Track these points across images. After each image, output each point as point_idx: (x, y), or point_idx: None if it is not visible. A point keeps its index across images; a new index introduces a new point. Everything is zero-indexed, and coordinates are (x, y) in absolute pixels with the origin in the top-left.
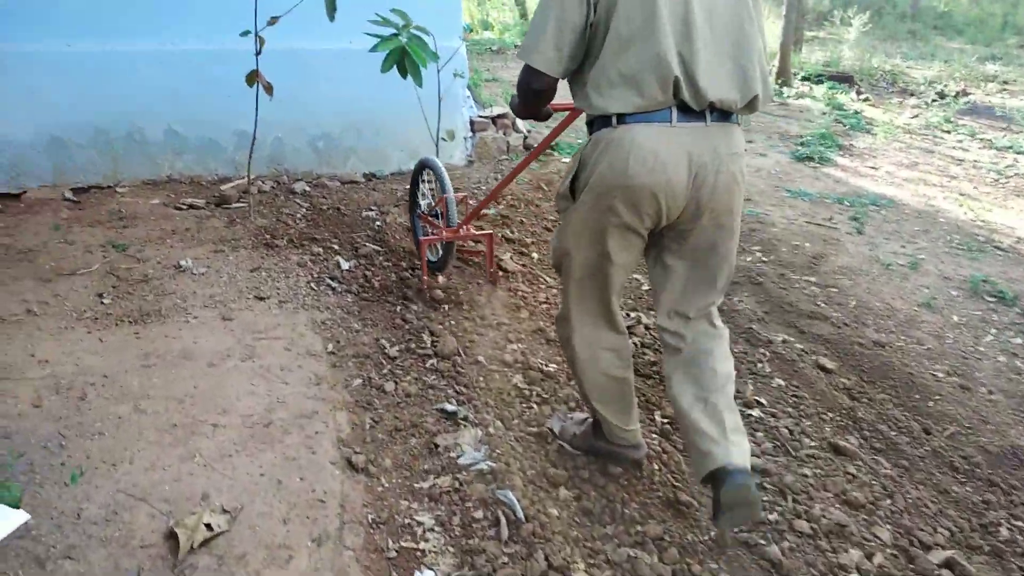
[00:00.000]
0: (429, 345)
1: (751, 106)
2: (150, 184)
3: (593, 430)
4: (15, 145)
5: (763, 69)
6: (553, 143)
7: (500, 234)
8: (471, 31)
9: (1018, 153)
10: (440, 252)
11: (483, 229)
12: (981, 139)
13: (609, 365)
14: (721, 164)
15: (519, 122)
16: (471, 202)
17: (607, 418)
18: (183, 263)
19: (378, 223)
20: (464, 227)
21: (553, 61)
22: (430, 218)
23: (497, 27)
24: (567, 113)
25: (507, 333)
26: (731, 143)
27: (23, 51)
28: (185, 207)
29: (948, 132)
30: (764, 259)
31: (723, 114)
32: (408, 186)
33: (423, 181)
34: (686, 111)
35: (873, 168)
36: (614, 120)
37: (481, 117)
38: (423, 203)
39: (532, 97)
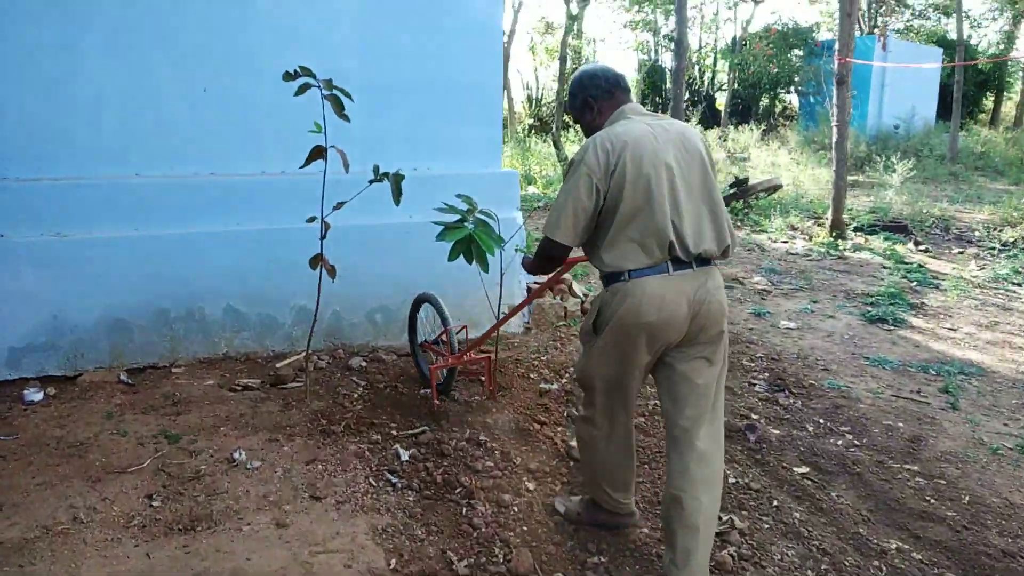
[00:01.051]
0: (502, 560)
1: (725, 253)
2: (206, 362)
3: (592, 505)
4: (77, 329)
5: (729, 224)
6: None
7: (565, 412)
8: None
9: None
10: (444, 375)
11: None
12: None
13: (620, 448)
14: (710, 296)
15: (576, 286)
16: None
17: (611, 494)
18: (236, 456)
19: (436, 402)
20: (467, 353)
21: (571, 235)
22: (433, 346)
23: (540, 181)
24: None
25: (585, 542)
26: (715, 281)
27: (92, 238)
28: (240, 388)
29: (1019, 285)
30: (856, 443)
31: (705, 261)
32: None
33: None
34: (679, 262)
35: (951, 329)
36: (626, 275)
37: (537, 283)
38: (423, 334)
39: (548, 261)
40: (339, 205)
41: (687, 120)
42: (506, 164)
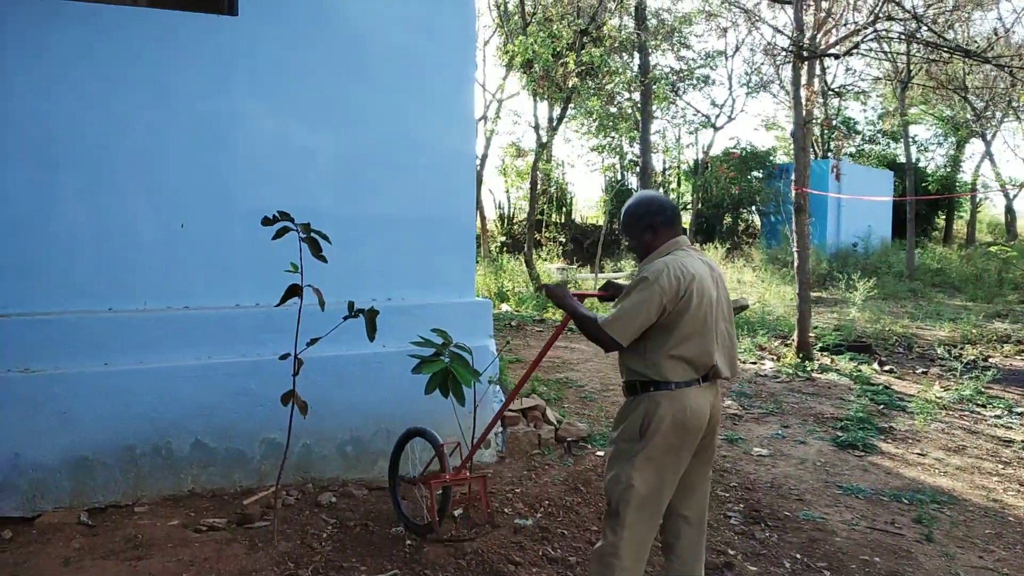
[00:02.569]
0: None
1: (731, 378)
2: (171, 500)
3: None
4: (38, 468)
5: (736, 354)
6: (588, 435)
7: (540, 551)
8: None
9: None
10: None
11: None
12: (1019, 413)
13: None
14: (719, 404)
15: (549, 413)
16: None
17: None
18: None
19: (408, 543)
20: (462, 470)
21: (626, 337)
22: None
23: (513, 299)
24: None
25: None
26: (720, 393)
27: (59, 373)
28: (205, 529)
29: (983, 406)
30: None
31: (716, 378)
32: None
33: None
34: (706, 377)
35: (921, 455)
36: (672, 385)
37: (511, 412)
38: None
39: (593, 339)
40: (312, 341)
41: None
42: (479, 282)
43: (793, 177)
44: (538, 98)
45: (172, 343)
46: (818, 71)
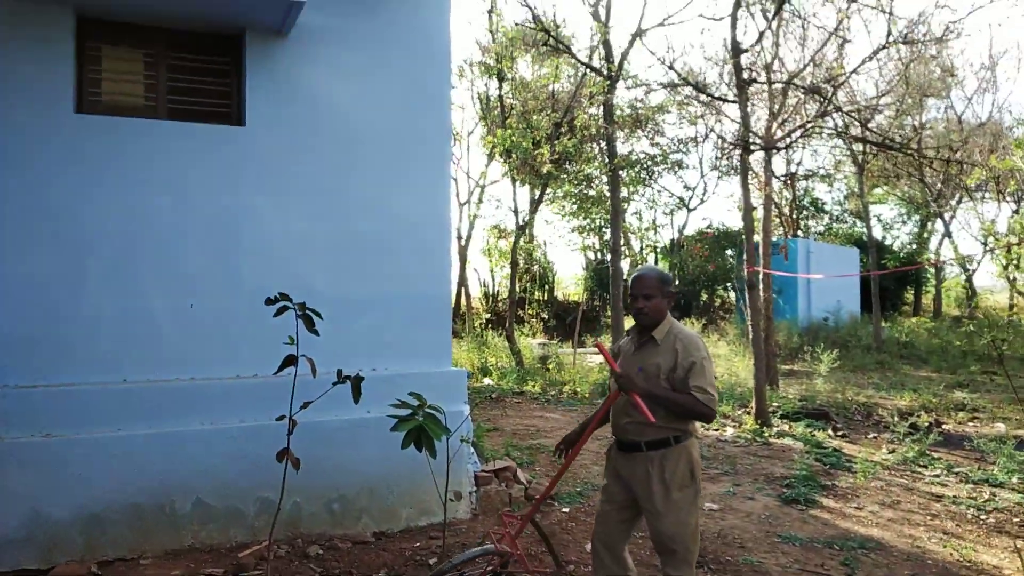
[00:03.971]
0: None
1: None
2: (172, 554)
3: None
4: (54, 524)
5: None
6: (555, 494)
7: None
8: (471, 377)
9: (993, 486)
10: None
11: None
12: (957, 472)
13: None
14: None
15: (520, 474)
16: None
17: None
18: None
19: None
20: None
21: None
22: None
23: (496, 374)
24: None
25: None
26: None
27: (78, 438)
28: None
29: (925, 467)
30: None
31: None
32: None
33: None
34: None
35: (858, 508)
36: (692, 435)
37: (484, 472)
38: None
39: (699, 417)
40: (305, 405)
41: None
42: (463, 357)
43: (745, 256)
44: (517, 183)
45: (178, 411)
46: (781, 157)
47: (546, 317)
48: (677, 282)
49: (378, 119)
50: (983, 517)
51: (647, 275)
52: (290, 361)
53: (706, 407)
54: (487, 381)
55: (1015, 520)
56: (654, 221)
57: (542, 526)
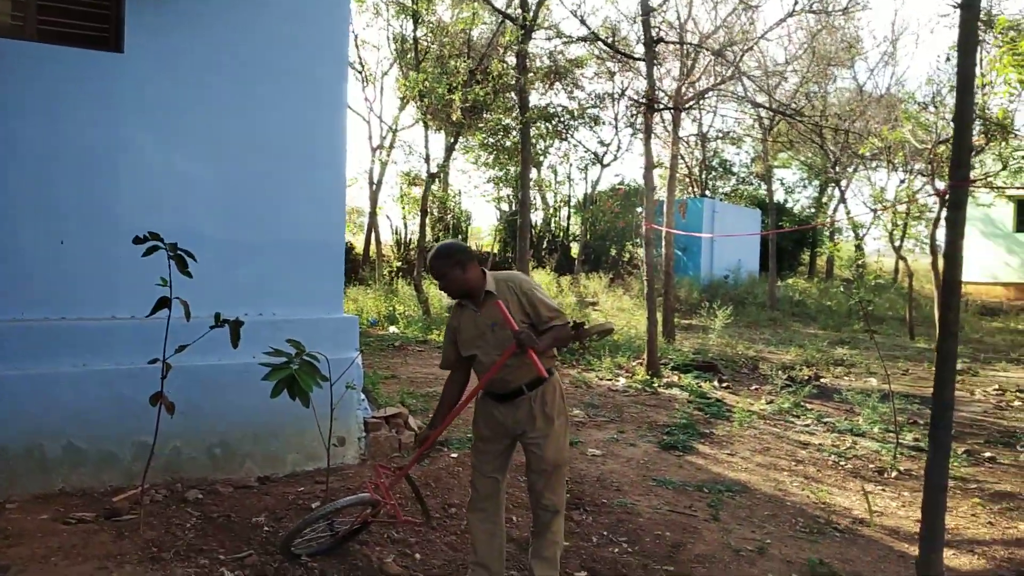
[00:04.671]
0: None
1: None
2: (41, 498)
3: None
4: None
5: None
6: (445, 440)
7: (386, 534)
8: (377, 325)
9: (856, 435)
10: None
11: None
12: (826, 422)
13: None
14: None
15: (411, 420)
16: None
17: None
18: None
19: (267, 528)
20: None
21: None
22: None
23: (402, 322)
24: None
25: None
26: None
27: None
28: (74, 521)
29: (797, 417)
30: (630, 550)
31: None
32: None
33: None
34: None
35: (730, 455)
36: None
37: (375, 418)
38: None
39: (570, 340)
40: (181, 348)
41: (544, 267)
42: (370, 305)
43: (644, 214)
44: (431, 130)
45: (48, 352)
46: (692, 119)
47: None
48: (588, 237)
49: (270, 56)
50: (843, 463)
51: (432, 263)
52: (163, 303)
53: (569, 329)
54: (393, 329)
55: (871, 466)
56: (569, 176)
57: (427, 472)
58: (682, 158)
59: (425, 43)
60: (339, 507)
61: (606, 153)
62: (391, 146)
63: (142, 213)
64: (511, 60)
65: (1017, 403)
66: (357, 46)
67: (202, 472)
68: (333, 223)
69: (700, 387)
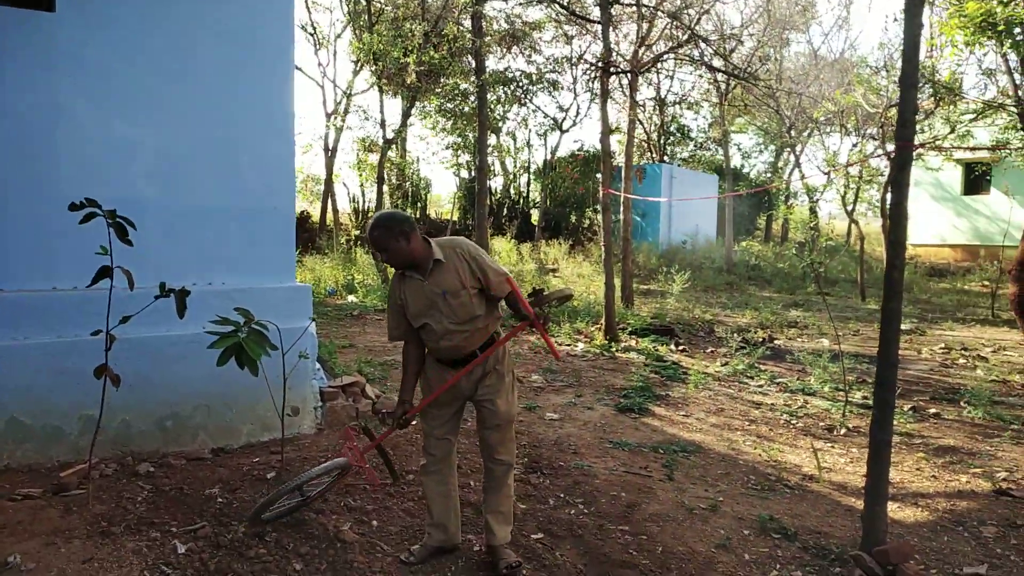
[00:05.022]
0: None
1: None
2: None
3: None
4: None
5: None
6: None
7: (342, 502)
8: (336, 295)
9: (807, 395)
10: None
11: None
12: (779, 383)
13: None
14: None
15: (368, 389)
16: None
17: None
18: (11, 560)
19: (220, 500)
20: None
21: None
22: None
23: (361, 291)
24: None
25: None
26: None
27: None
28: (20, 497)
29: (752, 378)
30: (585, 511)
31: None
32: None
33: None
34: None
35: (685, 416)
36: None
37: (331, 387)
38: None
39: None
40: (125, 319)
41: (504, 234)
42: (328, 273)
43: (601, 178)
44: (387, 95)
45: None
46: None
47: None
48: (548, 203)
49: (212, 15)
50: (794, 422)
51: (373, 236)
52: (105, 273)
53: (518, 288)
54: (351, 299)
55: (821, 424)
56: (528, 142)
57: (386, 441)
58: (640, 124)
59: (379, 4)
60: (314, 475)
61: (565, 119)
62: (346, 111)
63: (80, 181)
64: (467, 23)
65: (962, 361)
66: (308, 8)
67: (153, 445)
68: (282, 189)
69: (657, 351)
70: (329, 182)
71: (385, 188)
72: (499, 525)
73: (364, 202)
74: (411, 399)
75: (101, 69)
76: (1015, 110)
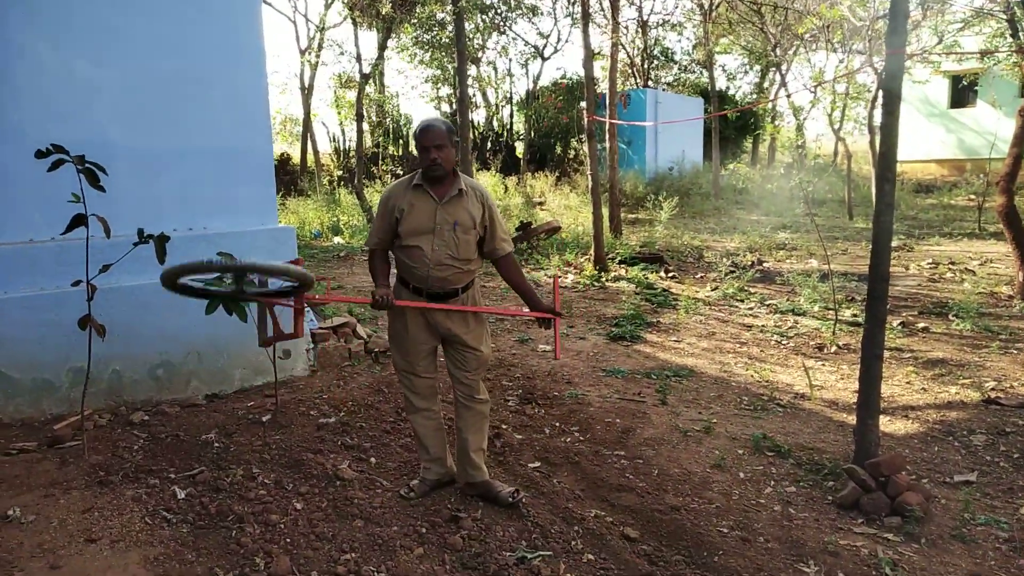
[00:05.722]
0: (263, 568)
1: None
2: None
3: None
4: None
5: None
6: None
7: (340, 441)
8: (321, 236)
9: (797, 315)
10: None
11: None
12: (769, 304)
13: None
14: None
15: (360, 329)
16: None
17: None
18: (11, 513)
19: (217, 445)
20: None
21: None
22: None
23: (347, 232)
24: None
25: (341, 543)
26: None
27: None
28: (15, 452)
29: (742, 301)
30: (581, 438)
31: None
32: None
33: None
34: None
35: (677, 342)
36: None
37: (322, 329)
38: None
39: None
40: (105, 268)
41: (489, 168)
42: (312, 216)
43: (584, 106)
44: (360, 27)
45: None
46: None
47: (400, 173)
48: (532, 134)
49: None
50: (784, 342)
51: (436, 126)
52: (79, 221)
53: (515, 256)
54: (337, 240)
55: (811, 344)
56: (509, 72)
57: (380, 379)
58: (623, 47)
59: None
60: (260, 267)
61: (546, 46)
62: (320, 46)
63: (43, 124)
64: None
65: (949, 275)
66: None
67: (147, 394)
68: (258, 126)
69: (647, 279)
70: (307, 122)
71: (365, 125)
72: (483, 462)
73: (344, 141)
74: (388, 286)
75: (56, 3)
76: (1003, 16)
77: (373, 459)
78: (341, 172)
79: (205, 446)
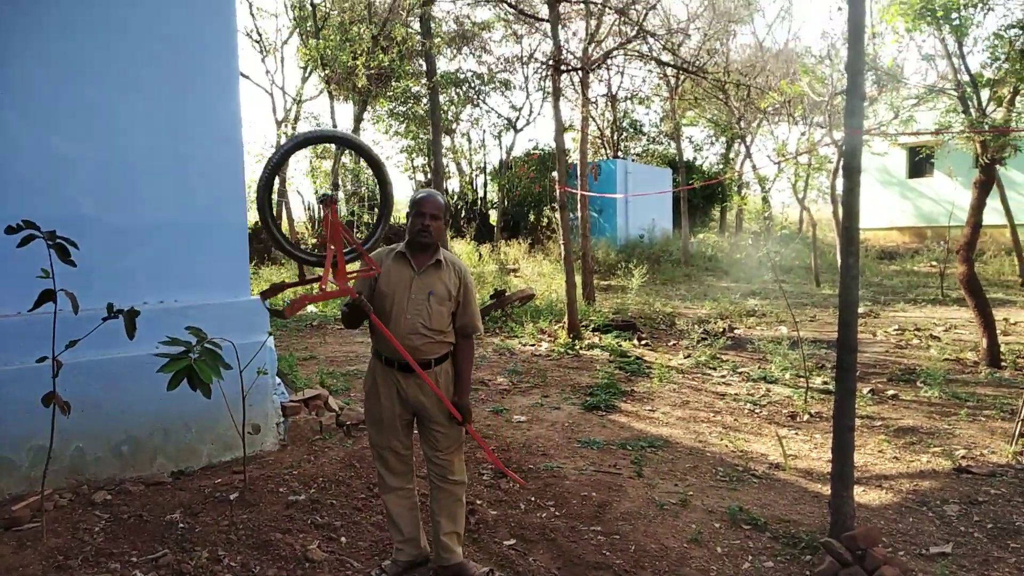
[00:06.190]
0: None
1: None
2: None
3: None
4: None
5: None
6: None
7: (309, 520)
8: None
9: (769, 383)
10: None
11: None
12: (741, 372)
13: None
14: None
15: (332, 401)
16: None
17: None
18: None
19: (182, 525)
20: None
21: None
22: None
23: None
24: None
25: None
26: None
27: None
28: None
29: (714, 369)
30: (557, 513)
31: None
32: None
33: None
34: None
35: (651, 411)
36: None
37: (293, 402)
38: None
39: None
40: (72, 343)
41: (464, 236)
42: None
43: (556, 176)
44: (336, 99)
45: None
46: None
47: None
48: (506, 203)
49: (156, 28)
50: (757, 411)
51: (436, 197)
52: (47, 296)
53: (473, 352)
54: (311, 309)
55: (784, 412)
56: (483, 143)
57: (351, 453)
58: (593, 120)
59: (324, 9)
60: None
61: (519, 118)
62: (296, 118)
63: (15, 200)
64: (416, 25)
65: (915, 341)
66: (253, 15)
67: (110, 472)
68: (233, 200)
69: (620, 346)
70: (283, 191)
71: (341, 195)
72: (458, 545)
73: (319, 210)
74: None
75: (36, 84)
76: (955, 93)
77: (344, 538)
78: (315, 241)
79: (169, 527)
